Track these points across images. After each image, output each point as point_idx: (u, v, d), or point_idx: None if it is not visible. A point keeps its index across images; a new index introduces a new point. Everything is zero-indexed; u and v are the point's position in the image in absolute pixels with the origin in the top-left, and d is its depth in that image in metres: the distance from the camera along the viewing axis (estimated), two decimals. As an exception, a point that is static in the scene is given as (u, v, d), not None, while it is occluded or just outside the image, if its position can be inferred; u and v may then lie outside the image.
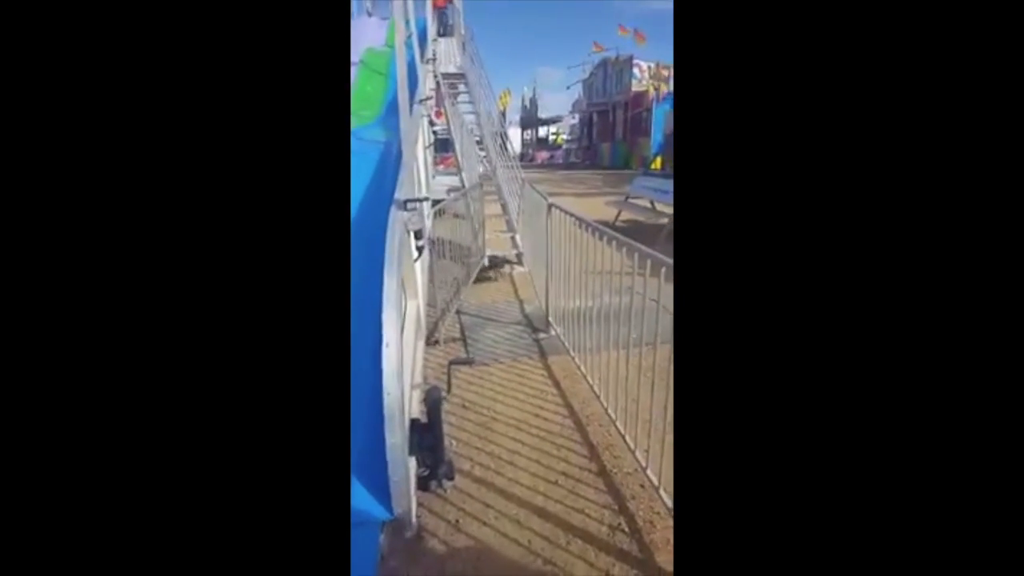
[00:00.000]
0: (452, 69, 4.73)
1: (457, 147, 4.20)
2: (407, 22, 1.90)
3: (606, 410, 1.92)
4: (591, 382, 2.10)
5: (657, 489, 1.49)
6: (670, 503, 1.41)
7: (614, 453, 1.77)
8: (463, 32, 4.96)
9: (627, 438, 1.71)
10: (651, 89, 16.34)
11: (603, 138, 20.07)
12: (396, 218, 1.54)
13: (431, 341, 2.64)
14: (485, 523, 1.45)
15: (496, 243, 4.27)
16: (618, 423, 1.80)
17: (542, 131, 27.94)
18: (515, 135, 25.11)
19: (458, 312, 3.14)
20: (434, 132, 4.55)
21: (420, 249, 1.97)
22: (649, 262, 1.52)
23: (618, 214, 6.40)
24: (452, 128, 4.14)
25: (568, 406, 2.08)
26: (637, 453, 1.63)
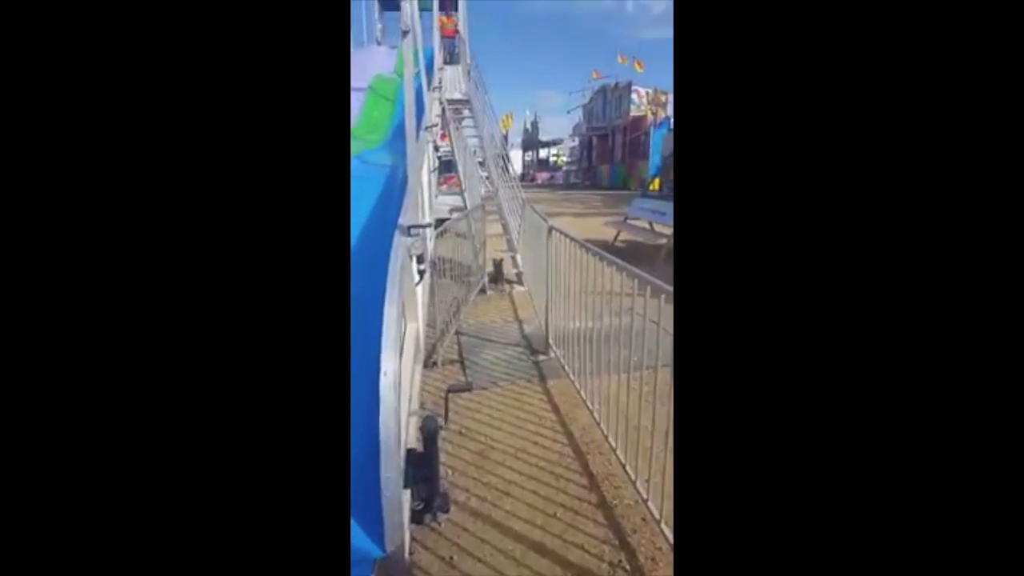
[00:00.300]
0: (457, 95, 4.80)
1: (460, 169, 4.24)
2: (416, 55, 1.92)
3: (606, 437, 1.86)
4: (591, 407, 2.05)
5: (659, 523, 1.43)
6: (673, 538, 1.34)
7: (614, 484, 1.71)
8: (468, 60, 5.06)
9: (627, 468, 1.66)
10: (649, 114, 16.64)
11: (602, 160, 20.34)
12: (399, 243, 1.52)
13: (429, 364, 2.59)
14: (481, 559, 1.39)
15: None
16: (618, 451, 1.74)
17: (543, 153, 28.35)
18: (516, 156, 25.51)
19: (457, 333, 3.10)
20: (439, 157, 4.61)
21: (422, 273, 1.95)
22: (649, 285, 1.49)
23: (617, 234, 6.41)
24: (456, 151, 4.18)
25: (567, 433, 2.03)
26: (638, 484, 1.57)
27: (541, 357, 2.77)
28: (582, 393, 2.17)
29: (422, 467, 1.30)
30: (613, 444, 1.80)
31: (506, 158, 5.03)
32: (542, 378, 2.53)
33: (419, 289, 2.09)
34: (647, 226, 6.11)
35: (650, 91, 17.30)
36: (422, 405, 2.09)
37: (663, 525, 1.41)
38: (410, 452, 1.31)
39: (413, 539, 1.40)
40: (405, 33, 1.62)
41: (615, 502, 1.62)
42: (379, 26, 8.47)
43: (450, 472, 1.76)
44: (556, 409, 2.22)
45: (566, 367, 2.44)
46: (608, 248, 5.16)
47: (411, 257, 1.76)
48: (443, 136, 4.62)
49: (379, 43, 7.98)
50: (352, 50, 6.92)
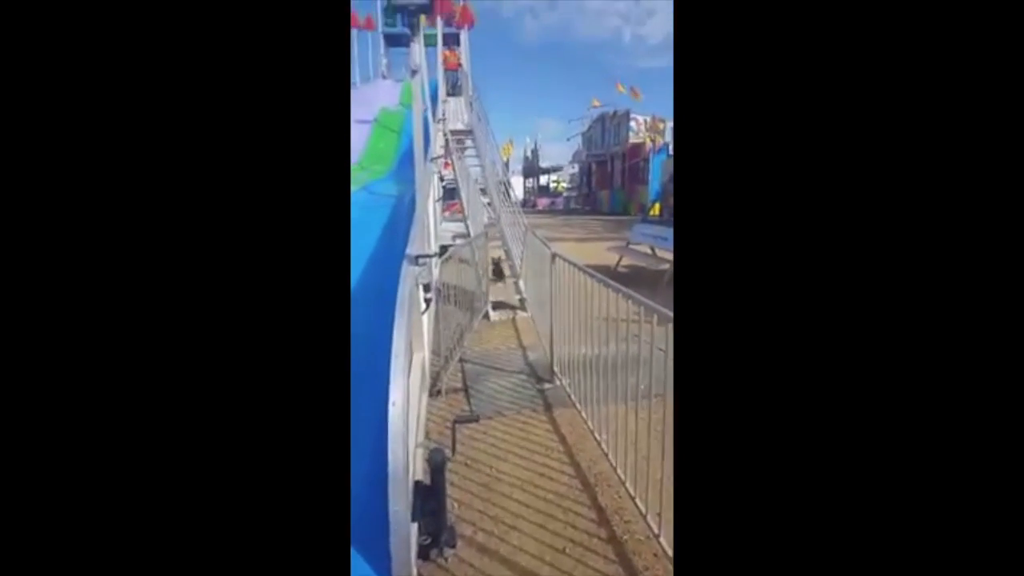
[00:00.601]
0: (460, 126, 4.96)
1: (463, 196, 4.33)
2: (423, 93, 2.00)
3: (615, 469, 1.83)
4: (599, 438, 2.02)
5: (671, 560, 1.39)
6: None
7: (624, 518, 1.67)
8: (470, 92, 5.24)
9: (638, 501, 1.63)
10: (648, 140, 17.02)
11: (602, 186, 20.67)
12: (407, 272, 1.55)
13: (433, 392, 2.58)
14: (489, 598, 1.35)
15: (499, 288, 4.29)
16: (628, 484, 1.72)
17: (543, 179, 28.87)
18: (517, 183, 25.97)
19: (461, 360, 3.09)
20: (443, 186, 4.72)
21: (428, 301, 1.97)
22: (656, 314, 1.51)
23: (619, 259, 6.46)
24: (459, 179, 4.29)
25: (575, 464, 2.00)
26: (649, 518, 1.54)
27: (546, 385, 2.76)
28: (589, 423, 2.15)
29: (429, 500, 1.28)
30: (622, 476, 1.77)
31: (507, 185, 5.15)
32: (548, 407, 2.51)
33: (425, 317, 2.11)
34: (649, 251, 6.16)
35: (648, 119, 17.76)
36: (427, 435, 2.08)
37: (676, 561, 1.38)
38: (417, 484, 1.29)
39: (419, 575, 1.37)
40: (414, 72, 1.70)
41: (625, 537, 1.59)
42: (384, 61, 8.83)
43: (456, 504, 1.73)
44: (563, 439, 2.19)
45: (572, 396, 2.42)
46: (611, 273, 5.19)
47: (418, 285, 1.79)
48: (446, 165, 4.74)
49: (385, 77, 8.30)
50: (359, 84, 7.21)
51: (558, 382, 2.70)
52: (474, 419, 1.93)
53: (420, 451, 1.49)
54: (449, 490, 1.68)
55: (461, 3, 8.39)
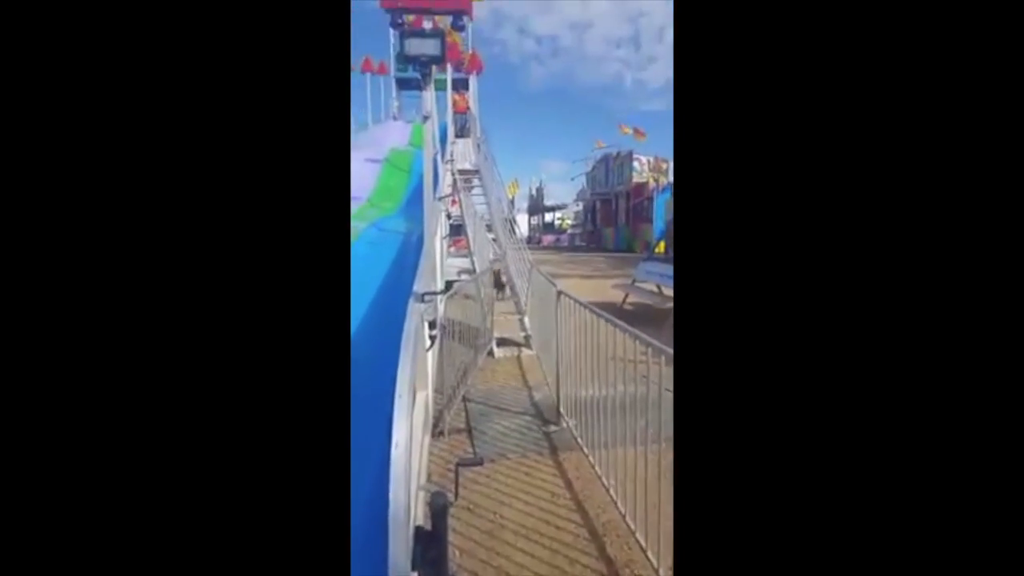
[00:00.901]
0: (467, 166, 5.14)
1: (470, 233, 4.42)
2: (434, 137, 2.10)
3: (624, 517, 1.77)
4: (607, 484, 1.96)
5: (687, 620, 1.32)
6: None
7: (635, 570, 1.60)
8: (478, 134, 5.47)
9: (649, 554, 1.56)
10: (651, 180, 17.44)
11: (606, 223, 21.01)
12: (413, 310, 1.57)
13: (436, 433, 2.53)
14: (491, 659, 1.27)
15: (503, 324, 4.29)
16: (638, 534, 1.65)
17: (548, 217, 29.47)
18: (523, 220, 26.50)
19: (464, 399, 3.05)
20: (450, 224, 4.86)
21: (433, 339, 1.98)
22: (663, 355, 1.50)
23: (625, 297, 6.47)
24: (465, 217, 4.40)
25: (582, 511, 1.93)
26: (661, 572, 1.47)
27: (552, 427, 2.71)
28: (597, 468, 2.09)
29: (431, 548, 1.24)
30: (632, 526, 1.70)
31: (513, 222, 5.27)
32: (554, 450, 2.45)
33: (429, 354, 2.11)
34: (655, 289, 6.18)
35: (651, 159, 18.29)
36: (429, 478, 2.03)
37: (692, 621, 1.30)
38: (418, 530, 1.25)
39: (417, 634, 1.30)
40: (426, 118, 1.80)
41: (637, 593, 1.51)
42: (396, 103, 9.28)
43: (458, 553, 1.66)
44: (569, 484, 2.13)
45: (579, 439, 2.37)
46: (617, 311, 5.19)
47: (423, 322, 1.81)
48: (453, 202, 4.89)
49: (395, 118, 8.70)
50: (371, 126, 7.55)
51: (564, 424, 2.65)
52: (478, 462, 1.89)
53: (422, 495, 1.46)
54: (451, 537, 1.62)
55: (470, 51, 8.91)
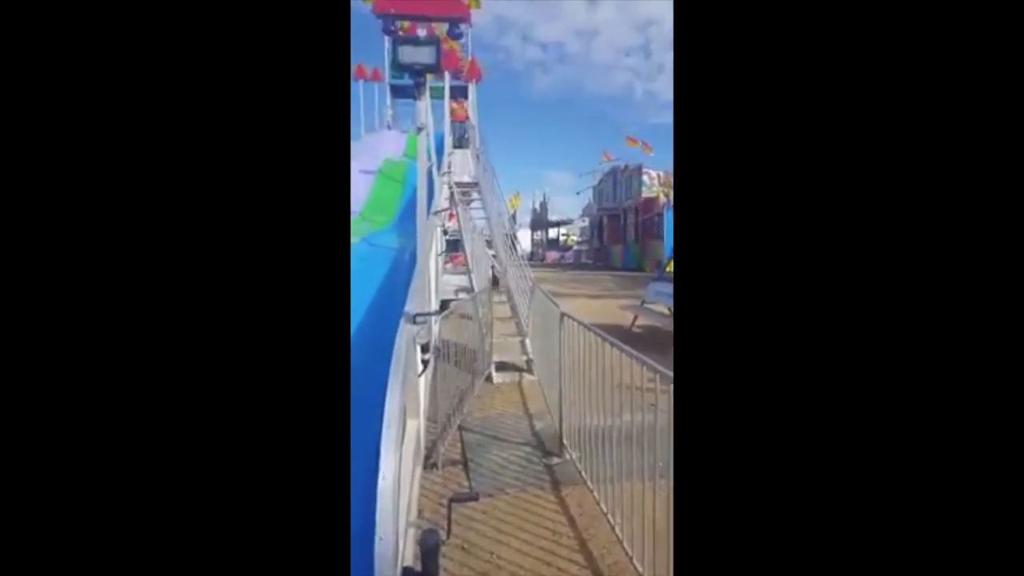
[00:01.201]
0: (466, 178, 5.23)
1: (467, 249, 4.46)
2: (429, 149, 2.16)
3: (631, 559, 1.74)
4: (612, 522, 1.94)
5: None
6: None
7: (644, 620, 1.56)
8: (477, 145, 5.58)
9: (659, 600, 1.53)
10: (662, 195, 17.63)
11: (614, 240, 21.14)
12: (403, 332, 1.58)
13: (428, 465, 2.51)
14: None
15: (503, 347, 4.29)
16: (647, 579, 1.62)
17: (552, 232, 29.68)
18: (525, 236, 26.69)
19: (460, 428, 3.03)
20: (447, 239, 4.92)
21: (426, 363, 1.99)
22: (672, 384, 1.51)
23: (634, 319, 6.47)
24: (463, 232, 4.45)
25: (585, 551, 1.90)
26: (672, 622, 1.44)
27: (555, 460, 2.68)
28: (602, 504, 2.07)
29: (420, 592, 1.22)
30: (640, 569, 1.68)
31: (514, 237, 5.32)
32: (556, 485, 2.43)
33: (421, 380, 2.11)
34: (666, 311, 6.18)
35: (661, 173, 18.53)
36: (419, 514, 2.00)
37: (706, 677, 1.27)
38: (407, 571, 1.24)
39: None
40: (420, 129, 1.85)
41: (646, 645, 1.47)
42: (390, 112, 9.48)
43: (449, 600, 1.63)
44: (572, 522, 2.10)
45: (583, 472, 2.35)
46: (626, 335, 5.19)
47: (415, 345, 1.82)
48: (451, 217, 4.95)
49: (390, 127, 8.88)
50: (364, 135, 7.71)
51: (567, 456, 2.62)
52: (473, 497, 1.87)
53: (411, 532, 1.44)
54: (442, 581, 1.60)
55: (469, 58, 9.15)
